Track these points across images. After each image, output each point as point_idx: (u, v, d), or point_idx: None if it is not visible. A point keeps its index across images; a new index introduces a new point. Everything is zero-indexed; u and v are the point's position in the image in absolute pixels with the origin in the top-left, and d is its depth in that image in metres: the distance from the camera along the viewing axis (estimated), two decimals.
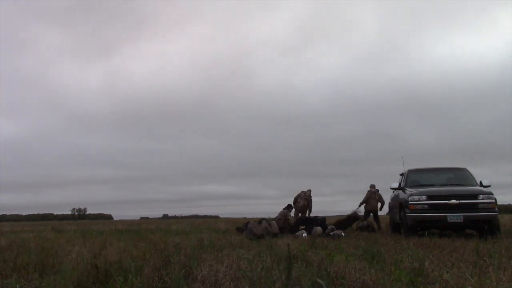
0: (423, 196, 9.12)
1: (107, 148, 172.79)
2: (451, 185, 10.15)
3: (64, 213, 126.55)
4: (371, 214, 13.99)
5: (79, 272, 3.71)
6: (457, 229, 9.53)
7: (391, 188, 11.37)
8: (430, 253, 5.52)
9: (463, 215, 8.72)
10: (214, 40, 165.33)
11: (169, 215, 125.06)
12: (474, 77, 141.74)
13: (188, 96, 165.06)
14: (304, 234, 9.90)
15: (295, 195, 14.12)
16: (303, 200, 13.66)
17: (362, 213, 13.73)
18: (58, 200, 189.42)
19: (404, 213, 9.51)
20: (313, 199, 13.89)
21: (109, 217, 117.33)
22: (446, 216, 8.79)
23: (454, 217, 8.75)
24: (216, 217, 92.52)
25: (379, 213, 14.15)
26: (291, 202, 13.67)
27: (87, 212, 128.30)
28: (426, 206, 9.03)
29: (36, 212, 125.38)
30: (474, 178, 10.15)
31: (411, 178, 10.70)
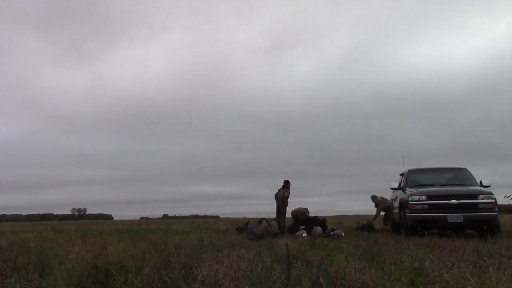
0: (423, 196, 9.12)
1: (101, 149, 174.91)
2: (451, 185, 10.15)
3: (64, 213, 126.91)
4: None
5: (79, 272, 3.71)
6: (457, 229, 9.53)
7: (391, 188, 11.37)
8: (430, 253, 5.52)
9: (463, 215, 8.72)
10: (192, 47, 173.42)
11: (169, 215, 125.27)
12: (445, 81, 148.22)
13: (171, 100, 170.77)
14: (304, 234, 9.90)
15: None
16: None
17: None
18: (58, 200, 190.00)
19: (404, 213, 9.52)
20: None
21: (109, 217, 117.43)
22: (446, 216, 8.79)
23: (454, 217, 8.75)
24: (216, 217, 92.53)
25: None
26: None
27: (87, 212, 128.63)
28: (426, 206, 9.03)
29: (36, 212, 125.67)
30: (474, 178, 10.15)
31: (411, 178, 10.71)
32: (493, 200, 8.81)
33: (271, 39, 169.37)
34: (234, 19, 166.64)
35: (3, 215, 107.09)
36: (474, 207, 8.77)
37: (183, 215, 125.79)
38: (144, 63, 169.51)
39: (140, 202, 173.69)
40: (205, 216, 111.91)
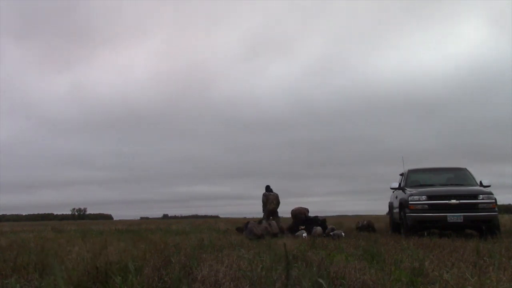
0: (423, 196, 9.12)
1: (101, 149, 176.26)
2: (451, 185, 10.15)
3: (64, 213, 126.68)
4: None
5: (79, 272, 3.71)
6: (457, 229, 9.53)
7: (391, 188, 11.37)
8: (430, 253, 5.52)
9: (463, 215, 8.72)
10: (169, 54, 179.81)
11: (169, 215, 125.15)
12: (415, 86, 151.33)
13: (152, 105, 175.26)
14: (304, 234, 9.90)
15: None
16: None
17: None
18: (58, 200, 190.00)
19: (404, 213, 9.52)
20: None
21: (109, 217, 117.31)
22: (446, 216, 8.79)
23: (454, 217, 8.75)
24: (216, 217, 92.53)
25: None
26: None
27: (87, 212, 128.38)
28: (426, 206, 9.03)
29: (36, 212, 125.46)
30: (474, 178, 10.15)
31: (411, 178, 10.71)
32: (493, 200, 8.81)
33: (247, 45, 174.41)
34: (211, 26, 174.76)
35: (3, 215, 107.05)
36: (474, 207, 8.77)
37: (183, 215, 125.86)
38: (126, 69, 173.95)
39: (140, 202, 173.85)
40: (205, 216, 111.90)
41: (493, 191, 9.01)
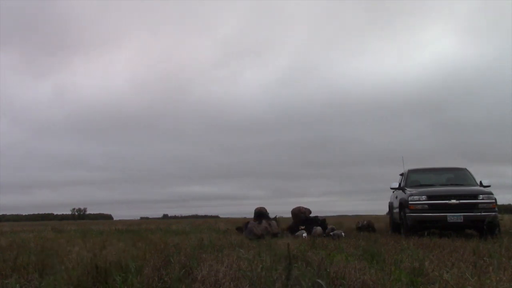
0: (423, 196, 9.12)
1: (101, 150, 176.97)
2: (451, 185, 10.16)
3: (64, 213, 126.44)
4: None
5: (79, 272, 3.71)
6: (457, 229, 9.52)
7: (391, 188, 11.37)
8: (430, 253, 5.52)
9: (463, 215, 8.72)
10: (148, 58, 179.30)
11: (169, 215, 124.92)
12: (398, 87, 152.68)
13: (152, 105, 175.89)
14: (304, 234, 9.90)
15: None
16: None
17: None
18: (58, 200, 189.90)
19: (404, 213, 9.52)
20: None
21: (109, 217, 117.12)
22: (446, 216, 8.79)
23: (454, 217, 8.75)
24: (216, 217, 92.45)
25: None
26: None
27: (87, 212, 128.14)
28: (426, 206, 9.03)
29: (36, 212, 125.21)
30: (474, 178, 10.15)
31: (411, 178, 10.71)
32: (493, 200, 8.81)
33: (223, 50, 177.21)
34: (188, 33, 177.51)
35: (3, 215, 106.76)
36: (474, 207, 8.77)
37: (183, 215, 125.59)
38: (114, 73, 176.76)
39: (140, 202, 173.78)
40: (205, 216, 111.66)
41: (493, 191, 9.02)
